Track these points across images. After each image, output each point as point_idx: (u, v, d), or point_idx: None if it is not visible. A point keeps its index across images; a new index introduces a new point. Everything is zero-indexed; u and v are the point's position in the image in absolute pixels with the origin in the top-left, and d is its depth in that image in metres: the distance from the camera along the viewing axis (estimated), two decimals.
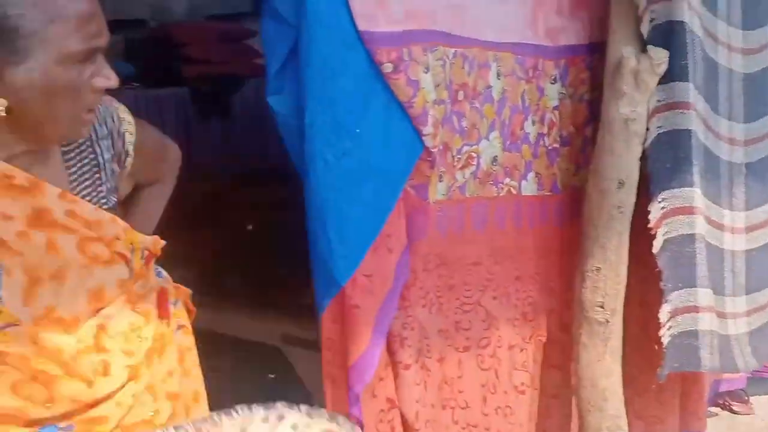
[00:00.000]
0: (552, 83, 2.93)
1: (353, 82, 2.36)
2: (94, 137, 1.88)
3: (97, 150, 1.89)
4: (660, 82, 2.75)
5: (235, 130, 5.63)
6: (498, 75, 2.75)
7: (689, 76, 2.75)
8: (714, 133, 2.92)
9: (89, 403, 1.72)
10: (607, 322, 2.88)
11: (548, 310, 3.08)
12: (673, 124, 2.78)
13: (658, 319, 2.91)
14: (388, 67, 2.38)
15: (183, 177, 2.26)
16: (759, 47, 3.06)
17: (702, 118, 2.84)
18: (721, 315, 2.99)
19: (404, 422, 2.65)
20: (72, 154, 1.85)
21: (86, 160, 1.87)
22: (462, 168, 2.71)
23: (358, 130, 2.37)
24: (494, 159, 2.80)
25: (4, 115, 1.64)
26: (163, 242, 1.95)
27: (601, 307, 2.87)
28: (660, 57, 2.72)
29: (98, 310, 1.77)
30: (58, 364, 1.70)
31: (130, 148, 1.96)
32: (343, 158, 2.37)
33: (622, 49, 2.75)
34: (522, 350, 3.01)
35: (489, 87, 2.73)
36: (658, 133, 2.79)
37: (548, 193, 2.98)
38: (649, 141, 2.80)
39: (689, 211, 2.83)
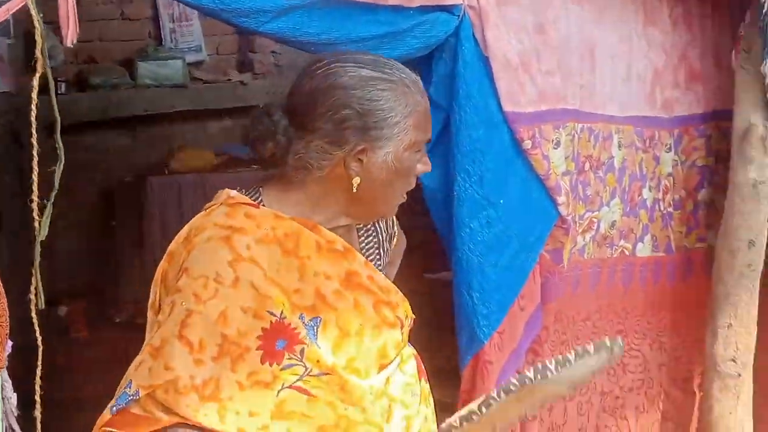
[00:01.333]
0: (667, 152, 3.13)
1: (497, 158, 2.59)
2: (380, 227, 2.16)
3: (379, 229, 2.15)
4: None
5: None
6: (619, 146, 2.97)
7: None
8: None
9: None
10: (739, 375, 3.04)
11: (658, 364, 3.23)
12: None
13: None
14: (527, 144, 2.62)
15: None
16: None
17: None
18: None
19: None
20: (365, 236, 2.12)
21: (372, 240, 2.13)
22: (583, 232, 2.90)
23: (501, 201, 2.58)
24: (613, 224, 2.99)
25: (354, 191, 1.93)
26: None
27: (733, 361, 3.03)
28: None
29: (382, 367, 2.00)
30: (360, 410, 1.93)
31: (395, 240, 2.22)
32: (487, 226, 2.59)
33: (750, 117, 2.92)
34: (617, 398, 3.16)
35: (611, 157, 2.94)
36: None
37: (662, 254, 3.16)
38: None
39: None
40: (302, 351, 1.89)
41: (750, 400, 3.08)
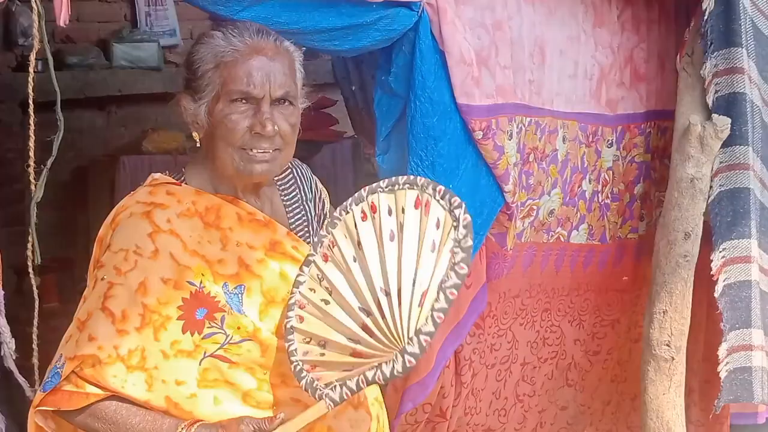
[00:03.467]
0: (608, 147, 3.34)
1: (449, 146, 2.78)
2: (305, 196, 2.30)
3: (307, 208, 2.30)
4: (722, 146, 3.14)
5: None
6: (564, 140, 3.17)
7: (748, 140, 3.14)
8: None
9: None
10: (673, 359, 3.24)
11: (574, 339, 3.44)
12: (733, 182, 3.17)
13: (714, 356, 3.27)
14: (479, 135, 2.82)
15: None
16: None
17: (759, 177, 3.22)
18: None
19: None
20: (290, 208, 2.26)
21: (300, 215, 2.27)
22: (523, 218, 3.11)
23: (451, 186, 2.74)
24: (551, 212, 3.20)
25: (198, 146, 2.09)
26: None
27: (668, 345, 3.22)
28: (723, 124, 3.11)
29: None
30: (278, 374, 2.05)
31: (328, 212, 2.35)
32: None
33: (690, 117, 3.13)
34: (534, 367, 3.37)
35: (555, 150, 3.15)
36: (720, 191, 3.18)
37: (597, 242, 3.37)
38: (711, 197, 3.18)
39: (746, 260, 3.20)
40: (222, 318, 2.00)
41: (682, 382, 3.27)
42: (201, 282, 2.00)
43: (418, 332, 1.83)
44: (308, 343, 1.98)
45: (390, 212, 1.98)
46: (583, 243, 3.31)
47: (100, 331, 1.96)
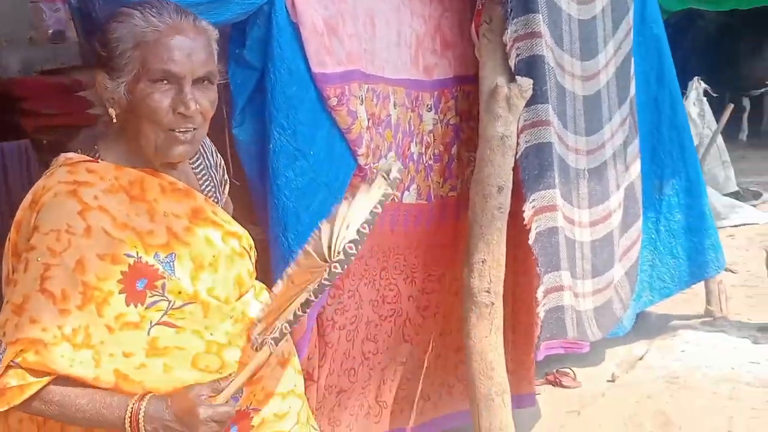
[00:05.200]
0: (428, 111, 3.52)
1: (308, 114, 2.89)
2: (209, 164, 2.32)
3: (213, 175, 2.32)
4: (525, 105, 3.38)
5: None
6: (394, 105, 3.33)
7: (548, 98, 3.40)
8: (564, 145, 3.59)
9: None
10: (493, 304, 3.44)
11: (408, 296, 3.63)
12: (537, 138, 3.43)
13: (527, 300, 3.55)
14: (333, 101, 2.94)
15: None
16: (593, 74, 3.77)
17: (557, 133, 3.50)
18: (576, 294, 3.65)
19: None
20: (199, 176, 2.28)
21: (208, 182, 2.30)
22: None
23: (311, 152, 2.88)
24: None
25: (114, 121, 2.07)
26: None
27: (488, 292, 3.42)
28: (526, 84, 3.35)
29: (241, 295, 2.17)
30: (224, 333, 2.08)
31: (226, 177, 2.39)
32: (300, 175, 2.89)
33: (497, 79, 3.35)
34: (376, 325, 3.52)
35: (389, 115, 3.30)
36: (526, 147, 3.43)
37: (424, 202, 3.56)
38: (519, 153, 3.42)
39: (552, 208, 3.49)
40: (163, 285, 2.01)
41: (501, 325, 3.49)
42: (137, 253, 2.01)
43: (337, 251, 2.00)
44: (267, 325, 2.08)
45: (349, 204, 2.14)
46: (413, 203, 3.48)
47: (42, 313, 1.93)
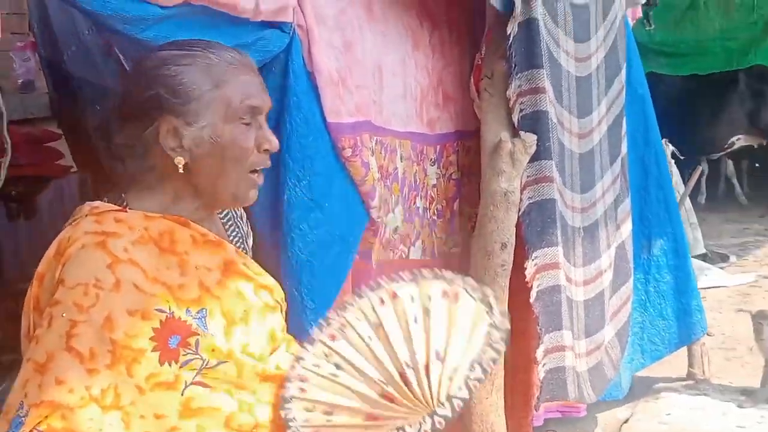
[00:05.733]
0: (432, 165, 3.48)
1: (323, 164, 2.82)
2: (235, 215, 2.23)
3: (239, 225, 2.24)
4: (529, 161, 3.33)
5: (42, 227, 5.71)
6: (401, 158, 3.28)
7: (551, 154, 3.36)
8: (563, 202, 3.54)
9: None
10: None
11: None
12: (540, 194, 3.38)
13: (524, 361, 3.47)
14: (347, 152, 2.88)
15: None
16: (588, 132, 3.75)
17: (558, 189, 3.46)
18: (577, 355, 3.58)
19: None
20: (228, 227, 2.19)
21: (235, 233, 2.21)
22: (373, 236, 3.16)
23: (326, 204, 2.80)
24: (396, 229, 3.29)
25: (182, 172, 1.95)
26: None
27: None
28: (531, 140, 3.30)
29: (273, 350, 2.05)
30: (251, 392, 1.95)
31: (249, 229, 2.31)
32: (315, 227, 2.81)
33: (501, 134, 3.30)
34: None
35: (396, 168, 3.26)
36: (529, 203, 3.38)
37: (429, 259, 3.50)
38: (522, 209, 3.36)
39: (555, 266, 3.42)
40: (197, 343, 1.89)
41: (502, 385, 3.42)
42: (170, 308, 1.89)
43: (450, 397, 1.85)
44: (311, 411, 1.94)
45: (413, 299, 1.98)
46: (419, 259, 3.41)
47: (68, 372, 1.80)
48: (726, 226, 9.85)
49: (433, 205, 3.49)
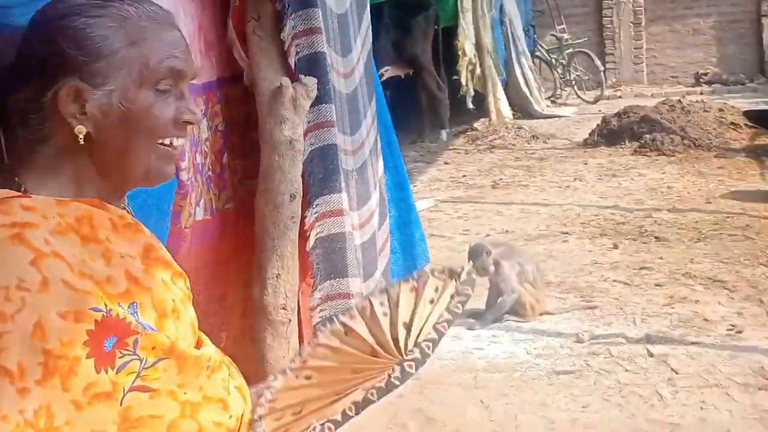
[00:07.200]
0: (203, 117, 3.20)
1: None
2: None
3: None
4: (309, 105, 3.17)
5: None
6: None
7: (331, 98, 3.23)
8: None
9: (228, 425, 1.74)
10: (290, 321, 3.23)
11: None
12: (322, 140, 3.25)
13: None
14: None
15: None
16: (351, 71, 3.64)
17: (336, 133, 3.33)
18: None
19: None
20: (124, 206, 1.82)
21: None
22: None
23: None
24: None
25: (83, 143, 1.61)
26: None
27: (284, 308, 3.20)
28: (312, 84, 3.15)
29: (198, 343, 1.78)
30: (197, 388, 1.69)
31: None
32: (132, 198, 2.47)
33: (281, 79, 3.11)
34: None
35: None
36: (312, 149, 3.24)
37: (209, 217, 3.25)
38: (304, 157, 3.21)
39: (339, 213, 3.31)
40: (135, 342, 1.61)
41: (297, 342, 3.29)
42: (105, 305, 1.57)
43: (417, 343, 1.73)
44: (279, 420, 1.77)
45: (382, 304, 1.85)
46: (201, 219, 3.16)
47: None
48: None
49: (207, 160, 3.23)
